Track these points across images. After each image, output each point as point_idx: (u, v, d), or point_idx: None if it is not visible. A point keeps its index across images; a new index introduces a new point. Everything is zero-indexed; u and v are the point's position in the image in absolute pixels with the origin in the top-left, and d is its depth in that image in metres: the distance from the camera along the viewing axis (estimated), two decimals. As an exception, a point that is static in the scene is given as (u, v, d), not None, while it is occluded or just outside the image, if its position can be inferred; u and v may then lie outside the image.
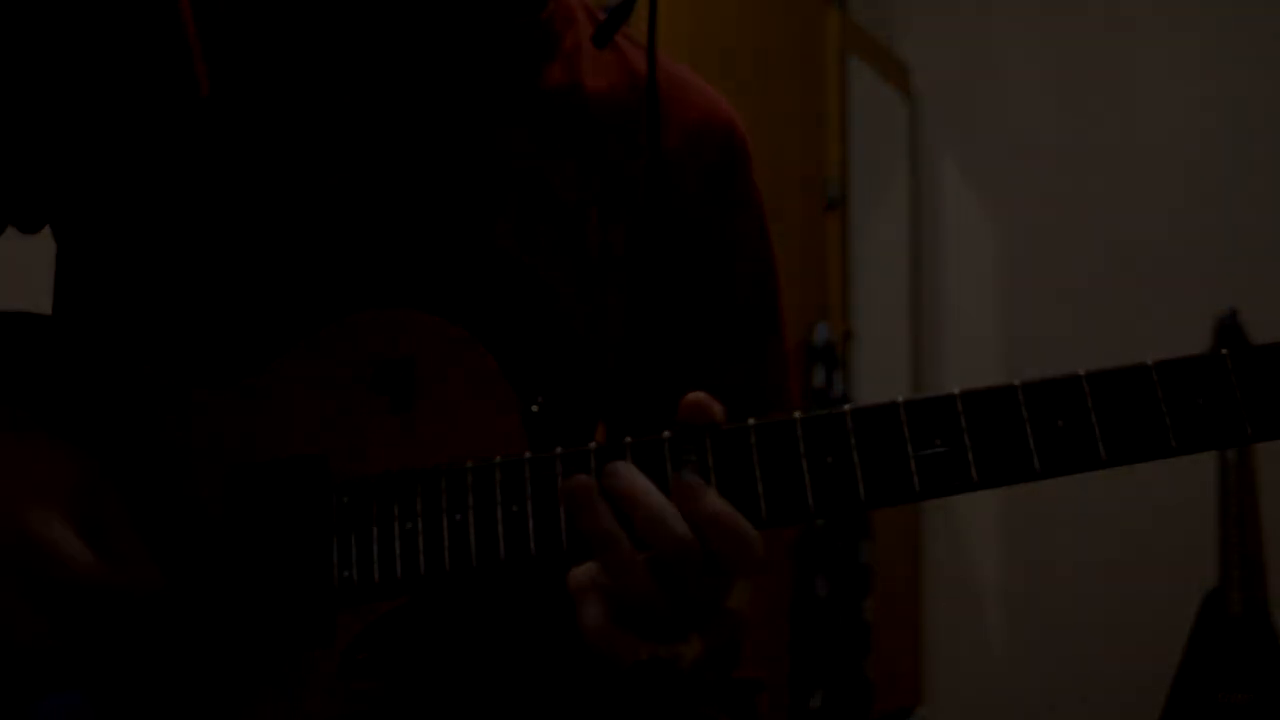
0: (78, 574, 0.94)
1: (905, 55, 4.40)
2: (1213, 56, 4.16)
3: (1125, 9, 4.26)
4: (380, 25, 1.11)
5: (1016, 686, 4.23)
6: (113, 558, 0.96)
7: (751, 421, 0.94)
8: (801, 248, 3.61)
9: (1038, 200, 4.32)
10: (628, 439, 0.95)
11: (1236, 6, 4.14)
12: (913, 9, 4.48)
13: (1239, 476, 3.48)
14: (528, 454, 0.96)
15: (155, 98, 1.07)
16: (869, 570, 3.65)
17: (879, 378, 3.94)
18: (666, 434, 0.94)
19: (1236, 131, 4.10)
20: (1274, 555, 3.56)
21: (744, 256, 1.23)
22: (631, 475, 0.92)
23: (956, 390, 0.92)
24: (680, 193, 1.17)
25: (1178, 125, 4.17)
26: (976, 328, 4.40)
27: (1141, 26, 4.24)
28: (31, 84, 1.06)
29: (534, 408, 1.01)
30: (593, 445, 0.96)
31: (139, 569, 0.97)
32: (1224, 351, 0.90)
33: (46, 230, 1.16)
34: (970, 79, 4.42)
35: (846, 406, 0.93)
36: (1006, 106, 4.37)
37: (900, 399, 0.93)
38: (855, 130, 3.90)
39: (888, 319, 4.21)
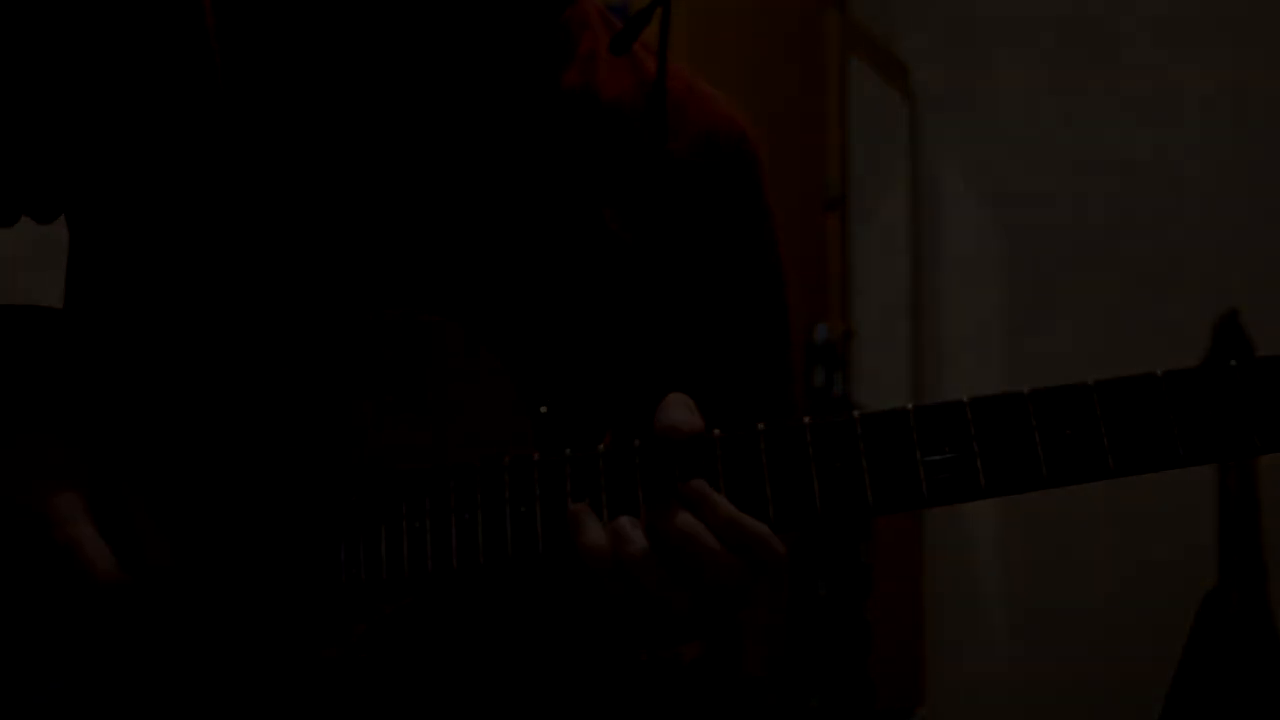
0: (100, 566, 0.95)
1: (905, 55, 4.40)
2: (1213, 56, 4.15)
3: (1125, 9, 4.26)
4: (397, 22, 1.12)
5: (1016, 687, 4.23)
6: (134, 546, 0.97)
7: (761, 427, 0.94)
8: (801, 248, 3.61)
9: (1037, 200, 4.31)
10: (636, 442, 0.95)
11: (1237, 6, 4.14)
12: (913, 9, 4.47)
13: (1239, 477, 3.48)
14: (536, 455, 0.97)
15: (172, 88, 1.07)
16: (869, 570, 3.65)
17: (879, 378, 3.93)
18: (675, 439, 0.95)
19: (1237, 131, 4.10)
20: (1274, 555, 3.56)
21: (754, 264, 1.23)
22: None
23: (965, 398, 0.92)
24: (690, 198, 1.18)
25: (1177, 125, 4.17)
26: (976, 327, 4.39)
27: (1141, 26, 4.23)
28: (48, 72, 1.07)
29: (542, 409, 1.01)
30: (601, 447, 0.96)
31: (159, 557, 0.97)
32: (1233, 363, 0.90)
33: (39, 227, 1.17)
34: (970, 79, 4.41)
35: (856, 413, 0.93)
36: (1006, 107, 4.36)
37: (910, 406, 0.93)
38: (855, 130, 3.89)
39: (888, 319, 4.21)
